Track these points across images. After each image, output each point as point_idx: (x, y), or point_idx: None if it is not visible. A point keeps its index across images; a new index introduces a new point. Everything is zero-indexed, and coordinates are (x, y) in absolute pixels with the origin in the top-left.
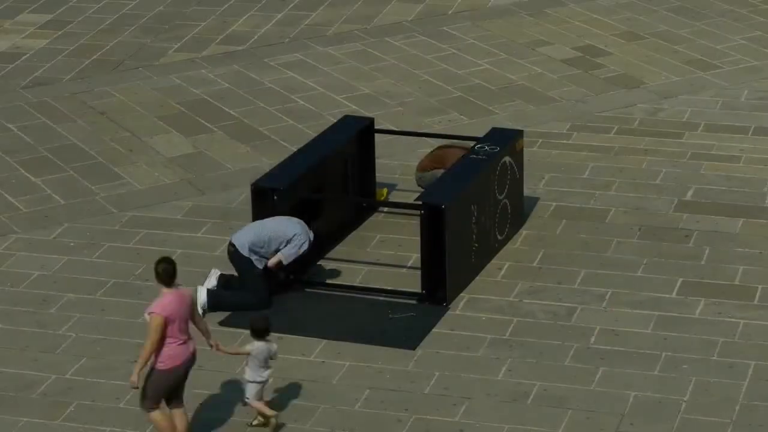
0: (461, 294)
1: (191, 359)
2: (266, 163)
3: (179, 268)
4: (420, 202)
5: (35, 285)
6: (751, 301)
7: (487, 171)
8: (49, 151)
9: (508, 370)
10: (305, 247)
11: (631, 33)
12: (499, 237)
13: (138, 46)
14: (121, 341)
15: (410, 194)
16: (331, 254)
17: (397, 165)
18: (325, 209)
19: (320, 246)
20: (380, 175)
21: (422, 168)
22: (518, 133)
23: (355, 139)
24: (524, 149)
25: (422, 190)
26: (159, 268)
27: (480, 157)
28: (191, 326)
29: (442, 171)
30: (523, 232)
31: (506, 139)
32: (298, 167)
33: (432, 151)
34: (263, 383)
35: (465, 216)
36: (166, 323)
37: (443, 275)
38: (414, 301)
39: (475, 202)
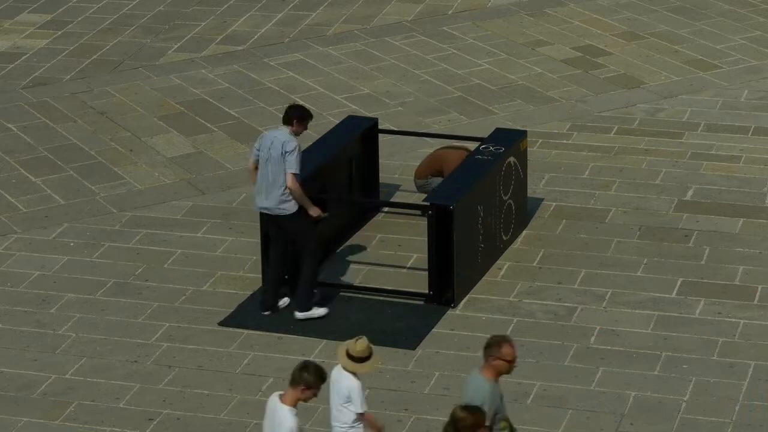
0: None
1: None
2: None
3: (179, 268)
4: (428, 203)
5: (35, 285)
6: (751, 301)
7: (493, 171)
8: (49, 151)
9: None
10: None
11: (631, 33)
12: (504, 237)
13: (138, 46)
14: (121, 341)
15: (410, 194)
16: (332, 254)
17: (398, 165)
18: (330, 210)
19: (326, 247)
20: (381, 175)
21: (421, 174)
22: (522, 134)
23: (359, 140)
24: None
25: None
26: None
27: (485, 157)
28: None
29: (441, 179)
30: (524, 232)
31: (510, 140)
32: (305, 168)
33: (429, 155)
34: None
35: (472, 216)
36: None
37: (451, 276)
38: (422, 302)
39: (482, 202)
